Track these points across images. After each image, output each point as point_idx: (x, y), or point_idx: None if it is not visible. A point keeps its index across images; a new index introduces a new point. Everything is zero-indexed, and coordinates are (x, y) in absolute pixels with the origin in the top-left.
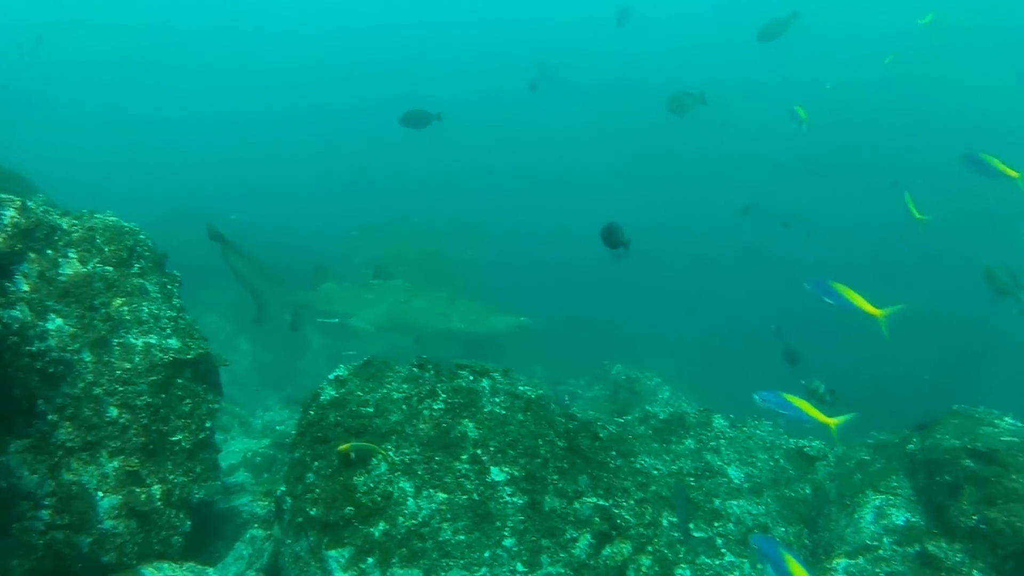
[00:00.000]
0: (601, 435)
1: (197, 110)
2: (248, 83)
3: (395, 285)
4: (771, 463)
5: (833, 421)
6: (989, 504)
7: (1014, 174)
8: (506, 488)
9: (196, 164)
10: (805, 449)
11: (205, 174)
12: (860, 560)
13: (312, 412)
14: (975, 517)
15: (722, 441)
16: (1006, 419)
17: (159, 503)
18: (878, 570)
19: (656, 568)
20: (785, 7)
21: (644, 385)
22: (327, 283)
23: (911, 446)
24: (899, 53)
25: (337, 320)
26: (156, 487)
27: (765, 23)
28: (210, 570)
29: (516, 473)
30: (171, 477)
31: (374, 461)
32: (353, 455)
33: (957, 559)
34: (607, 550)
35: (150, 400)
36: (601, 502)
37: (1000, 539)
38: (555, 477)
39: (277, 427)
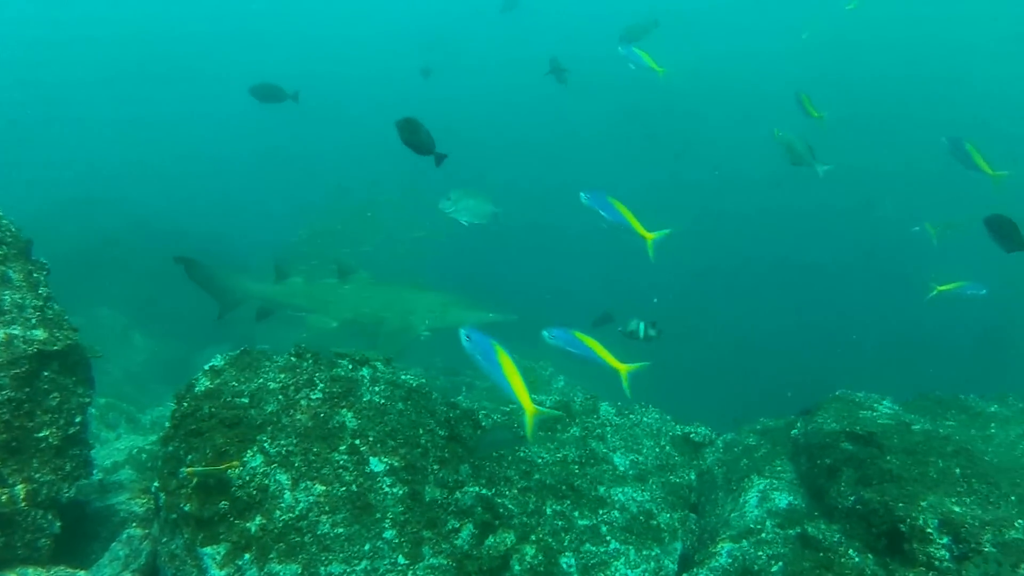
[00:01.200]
0: (484, 424)
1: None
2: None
3: (359, 277)
4: (657, 450)
5: (624, 367)
6: (865, 485)
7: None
8: (386, 479)
9: (98, 152)
10: (691, 436)
11: (108, 161)
12: (744, 543)
13: (186, 403)
14: (852, 498)
15: (608, 428)
16: (884, 402)
17: (23, 504)
18: (760, 553)
19: (540, 557)
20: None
21: (539, 375)
22: (293, 278)
23: (795, 431)
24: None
25: (303, 314)
26: (19, 487)
27: (626, 26)
28: (82, 573)
29: (396, 463)
30: (37, 476)
31: (248, 453)
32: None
33: (835, 539)
34: (490, 540)
35: (12, 395)
36: (483, 491)
37: (874, 518)
38: (436, 467)
39: (167, 423)
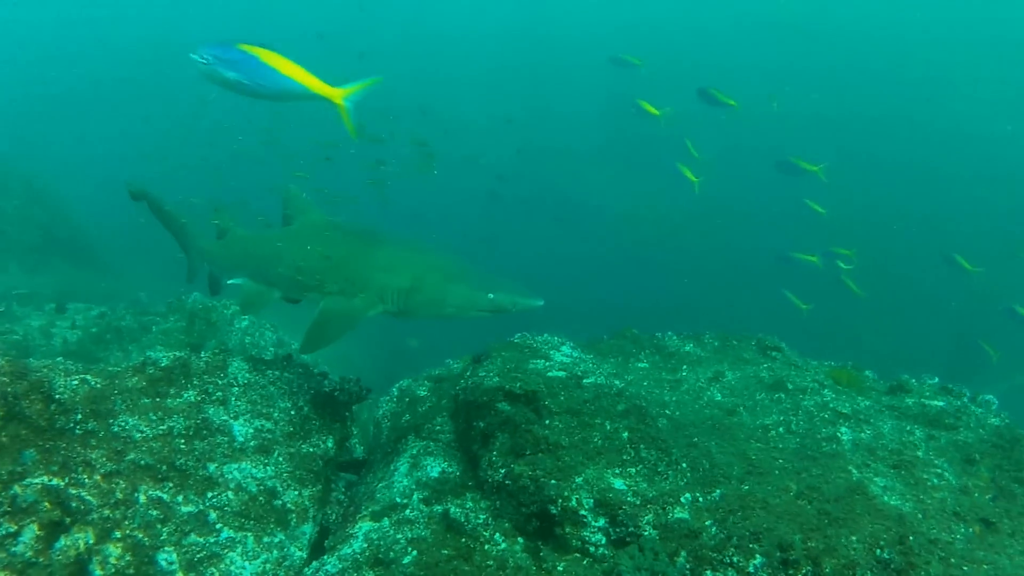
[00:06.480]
0: (61, 396)
1: None
2: None
3: (310, 221)
4: (292, 412)
5: (339, 92)
6: (518, 455)
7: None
8: None
9: None
10: (335, 393)
11: None
12: (385, 522)
13: None
14: (502, 471)
15: (235, 390)
16: (564, 348)
17: None
18: (400, 536)
19: (128, 557)
20: None
21: (221, 314)
22: (237, 229)
23: (462, 382)
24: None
25: (241, 281)
26: None
27: None
28: None
29: None
30: None
31: None
32: None
33: (480, 520)
34: (61, 543)
35: None
36: (54, 482)
37: (523, 496)
38: None
39: None
